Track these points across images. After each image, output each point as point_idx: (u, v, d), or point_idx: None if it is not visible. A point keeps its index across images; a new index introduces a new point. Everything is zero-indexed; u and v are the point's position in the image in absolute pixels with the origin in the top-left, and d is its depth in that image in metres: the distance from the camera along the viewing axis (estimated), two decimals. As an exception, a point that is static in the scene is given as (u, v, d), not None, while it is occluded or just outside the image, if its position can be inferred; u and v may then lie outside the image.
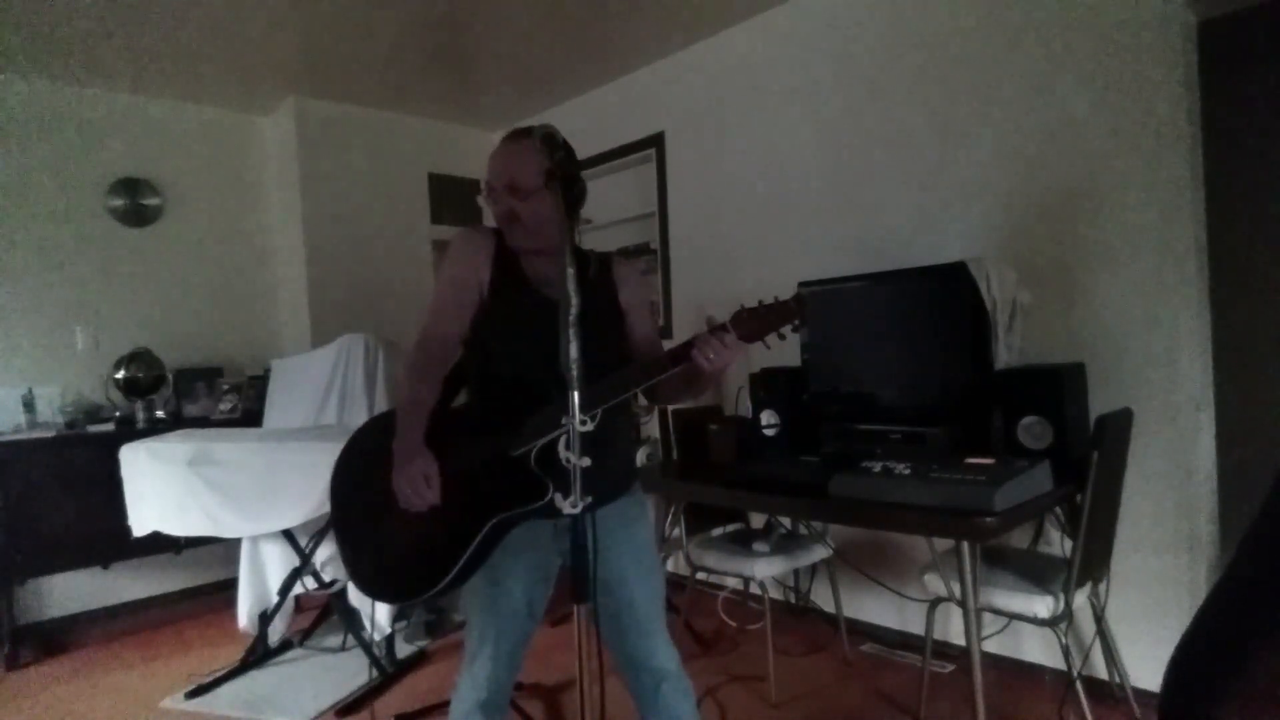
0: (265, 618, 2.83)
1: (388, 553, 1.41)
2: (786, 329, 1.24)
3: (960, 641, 2.20)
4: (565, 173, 1.28)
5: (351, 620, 2.78)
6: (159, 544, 2.92)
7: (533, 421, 1.31)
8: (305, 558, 2.74)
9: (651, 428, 3.37)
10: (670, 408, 2.99)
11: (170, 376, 3.54)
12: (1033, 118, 2.36)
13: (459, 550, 1.31)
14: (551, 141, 1.25)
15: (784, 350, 2.84)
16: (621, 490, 1.48)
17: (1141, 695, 2.16)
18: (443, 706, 2.42)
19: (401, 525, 1.37)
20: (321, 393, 3.10)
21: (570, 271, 1.06)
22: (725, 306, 1.24)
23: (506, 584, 1.43)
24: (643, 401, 3.39)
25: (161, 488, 2.60)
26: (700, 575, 2.67)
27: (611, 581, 1.42)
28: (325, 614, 3.05)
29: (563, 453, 1.05)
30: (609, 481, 1.41)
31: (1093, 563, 1.97)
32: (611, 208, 3.97)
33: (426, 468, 1.30)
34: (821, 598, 2.99)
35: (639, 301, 1.53)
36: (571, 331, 1.05)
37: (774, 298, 1.26)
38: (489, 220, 1.47)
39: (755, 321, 1.24)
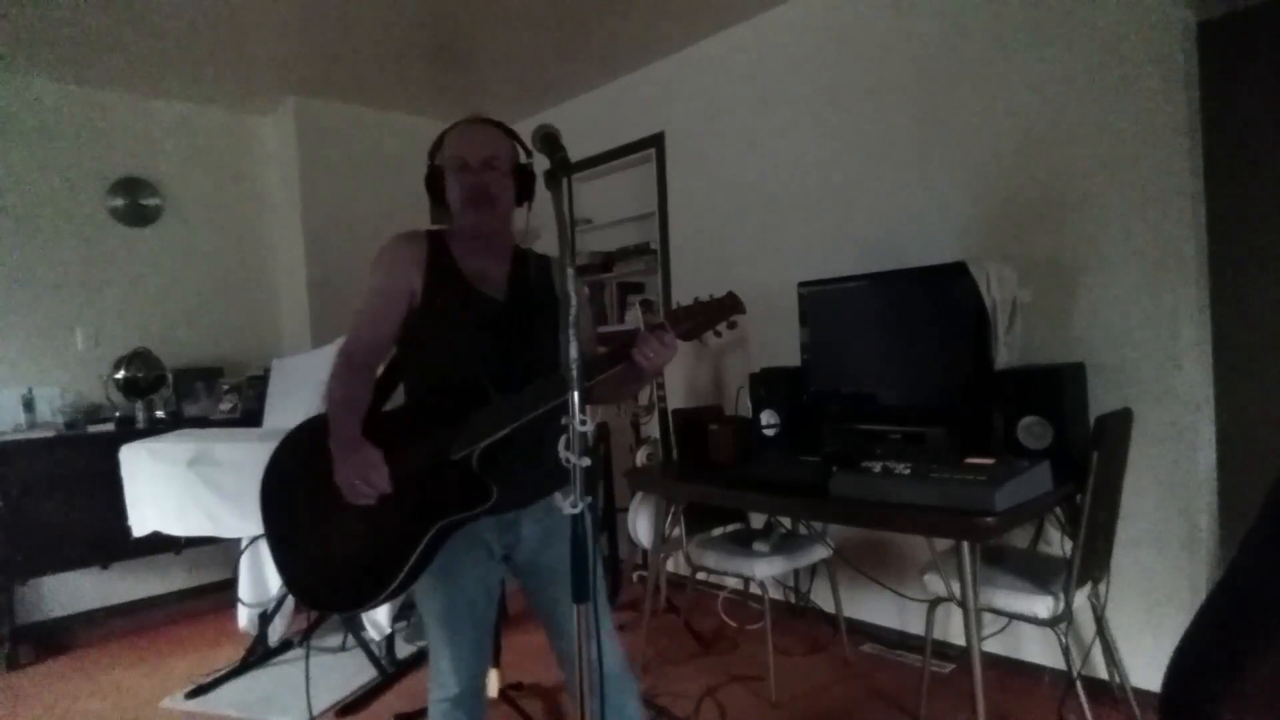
0: (265, 618, 2.83)
1: (329, 562, 1.37)
2: (722, 326, 1.29)
3: (960, 641, 2.19)
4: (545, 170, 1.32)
5: (351, 620, 2.78)
6: (159, 544, 2.91)
7: (473, 423, 1.28)
8: (305, 558, 2.73)
9: (651, 428, 3.37)
10: (670, 408, 2.99)
11: (170, 376, 3.54)
12: (1032, 117, 2.36)
13: (404, 556, 1.28)
14: (553, 141, 1.20)
15: (784, 350, 2.85)
16: (560, 484, 1.44)
17: (1141, 695, 2.16)
18: (443, 706, 2.42)
19: (342, 533, 1.34)
20: (321, 393, 3.10)
21: (570, 271, 1.04)
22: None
23: (457, 581, 1.40)
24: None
25: (161, 488, 2.60)
26: (700, 575, 2.67)
27: (548, 577, 1.42)
28: (325, 614, 3.05)
29: (563, 452, 1.04)
30: (549, 477, 1.36)
31: (1093, 563, 1.97)
32: (611, 208, 3.97)
33: (370, 455, 1.26)
34: (821, 598, 2.99)
35: (579, 303, 1.53)
36: (571, 332, 1.02)
37: (709, 295, 1.30)
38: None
39: (690, 320, 1.28)
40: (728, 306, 1.29)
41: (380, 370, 1.47)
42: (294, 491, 1.44)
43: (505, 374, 1.30)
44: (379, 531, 1.31)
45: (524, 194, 1.47)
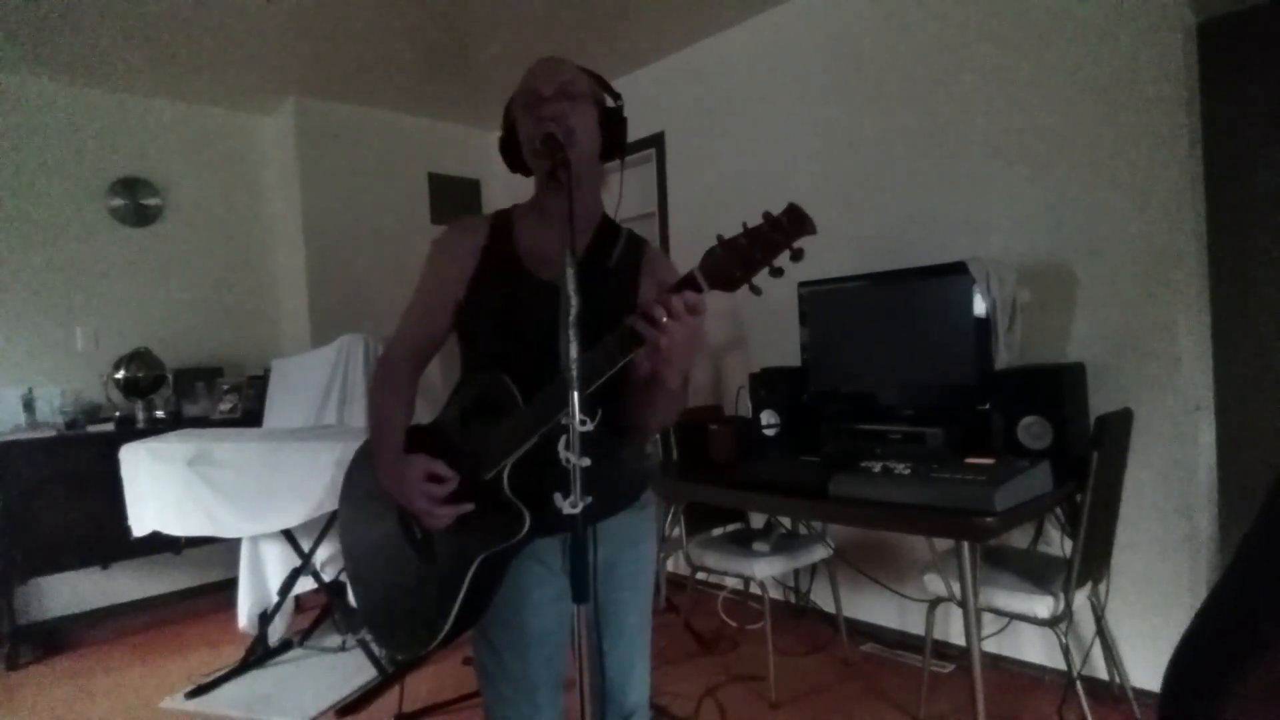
0: (265, 618, 2.83)
1: (392, 602, 1.23)
2: (784, 259, 0.89)
3: (960, 641, 2.20)
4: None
5: (351, 620, 2.78)
6: (159, 544, 2.92)
7: (499, 436, 1.07)
8: (305, 558, 2.74)
9: (651, 428, 3.37)
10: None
11: (170, 376, 3.54)
12: (1032, 117, 2.36)
13: (451, 598, 1.11)
14: (554, 142, 1.09)
15: (784, 350, 2.85)
16: (628, 501, 1.27)
17: (1141, 695, 2.16)
18: (443, 706, 2.42)
19: (400, 572, 1.20)
20: (321, 393, 3.10)
21: (570, 271, 0.95)
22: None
23: (520, 613, 1.19)
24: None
25: (161, 488, 2.60)
26: (700, 575, 2.67)
27: (605, 604, 1.24)
28: (325, 614, 3.05)
29: (563, 452, 0.92)
30: (612, 492, 1.22)
31: (1093, 563, 1.97)
32: (611, 208, 3.96)
33: (421, 466, 1.08)
34: (821, 598, 2.99)
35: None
36: (572, 332, 0.92)
37: (764, 214, 0.90)
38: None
39: (734, 260, 0.90)
40: (788, 228, 0.87)
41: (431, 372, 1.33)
42: (359, 529, 1.30)
43: (549, 375, 1.02)
44: (429, 569, 1.15)
45: (614, 148, 1.22)
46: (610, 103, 1.22)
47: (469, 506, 1.09)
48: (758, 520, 2.90)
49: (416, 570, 1.17)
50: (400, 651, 1.32)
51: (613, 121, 1.21)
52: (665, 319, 0.91)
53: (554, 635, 1.21)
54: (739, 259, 0.90)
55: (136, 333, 3.63)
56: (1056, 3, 2.29)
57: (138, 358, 3.45)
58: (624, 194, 4.06)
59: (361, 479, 1.29)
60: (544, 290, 1.13)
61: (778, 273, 0.90)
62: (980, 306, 2.15)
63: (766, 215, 0.89)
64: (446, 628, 1.11)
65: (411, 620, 1.19)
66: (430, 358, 1.28)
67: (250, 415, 3.47)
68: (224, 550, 3.37)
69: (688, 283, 0.93)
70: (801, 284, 2.60)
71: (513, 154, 1.22)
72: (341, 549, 1.37)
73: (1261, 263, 2.16)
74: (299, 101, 3.81)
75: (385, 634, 1.30)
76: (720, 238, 0.92)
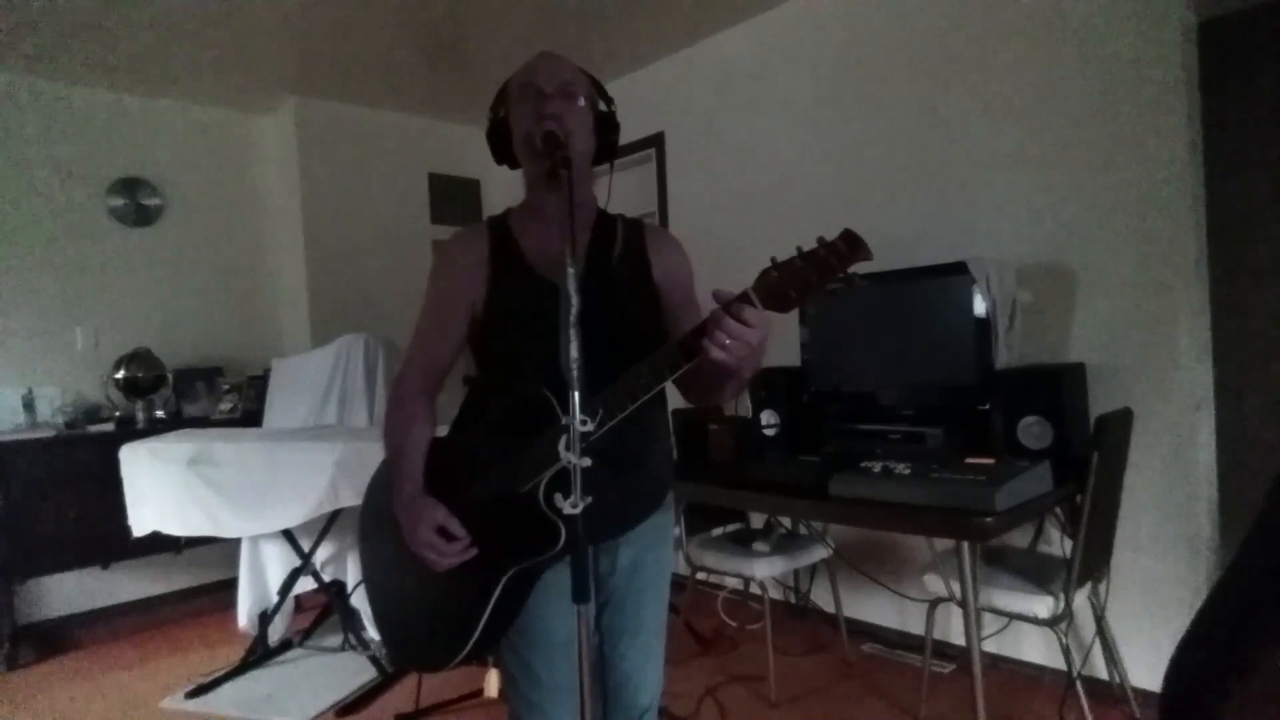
0: (265, 618, 2.83)
1: (414, 618, 1.22)
2: (838, 283, 0.90)
3: (960, 641, 2.20)
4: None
5: (351, 620, 2.78)
6: (159, 544, 2.92)
7: (536, 448, 1.05)
8: (305, 558, 2.74)
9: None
10: (670, 408, 2.98)
11: (170, 376, 3.54)
12: (1032, 117, 2.36)
13: (478, 612, 1.10)
14: (554, 140, 1.09)
15: (784, 350, 2.85)
16: (655, 505, 1.29)
17: (1141, 695, 2.16)
18: (442, 706, 2.42)
19: (421, 586, 1.18)
20: (321, 393, 3.10)
21: (570, 271, 0.94)
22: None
23: (548, 621, 1.18)
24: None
25: (161, 488, 2.60)
26: (700, 575, 2.67)
27: (626, 605, 1.26)
28: (325, 614, 3.05)
29: (563, 453, 0.92)
30: (644, 501, 1.25)
31: (1093, 563, 1.97)
32: (611, 208, 3.96)
33: (436, 519, 1.09)
34: (821, 598, 2.99)
35: (680, 275, 1.26)
36: (573, 331, 0.92)
37: (819, 239, 0.90)
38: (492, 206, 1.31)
39: (790, 282, 0.89)
40: (844, 252, 0.88)
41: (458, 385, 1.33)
42: (379, 541, 1.28)
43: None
44: (455, 583, 1.13)
45: (605, 151, 1.24)
46: (604, 107, 1.23)
47: (473, 553, 1.09)
48: (758, 520, 2.89)
49: (443, 583, 1.15)
50: (422, 665, 1.34)
51: (607, 126, 1.22)
52: (728, 340, 0.92)
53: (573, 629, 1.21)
54: (796, 283, 0.90)
55: (136, 333, 3.63)
56: (1056, 3, 2.29)
57: (138, 358, 3.45)
58: (624, 194, 4.04)
59: (385, 495, 1.28)
60: (549, 290, 1.11)
61: (830, 294, 0.91)
62: (980, 306, 2.15)
63: (821, 240, 0.89)
64: (474, 640, 1.11)
65: (435, 633, 1.17)
66: (444, 378, 1.26)
67: (250, 415, 3.47)
68: (224, 550, 3.37)
69: (740, 299, 0.94)
70: (801, 284, 2.60)
71: (500, 143, 1.22)
72: (361, 566, 1.35)
73: (1261, 263, 2.16)
74: (299, 101, 3.80)
75: (405, 648, 1.27)
76: (774, 260, 0.92)
